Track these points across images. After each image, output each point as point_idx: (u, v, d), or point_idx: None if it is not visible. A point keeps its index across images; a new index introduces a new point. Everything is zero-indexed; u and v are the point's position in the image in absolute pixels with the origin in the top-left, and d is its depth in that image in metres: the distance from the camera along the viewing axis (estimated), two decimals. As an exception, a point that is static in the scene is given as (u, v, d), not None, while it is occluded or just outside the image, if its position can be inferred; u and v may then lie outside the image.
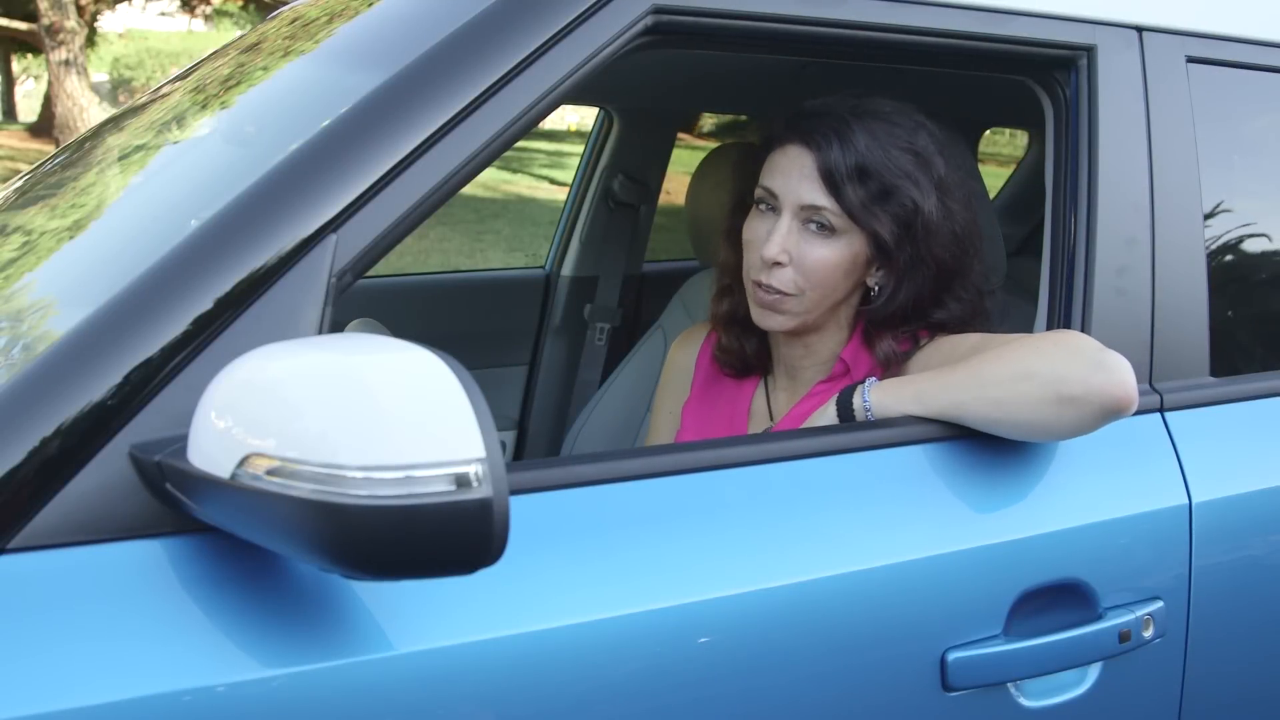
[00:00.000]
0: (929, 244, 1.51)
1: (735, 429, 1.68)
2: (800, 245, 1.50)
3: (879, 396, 1.40)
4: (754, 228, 1.56)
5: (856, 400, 1.41)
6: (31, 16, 15.19)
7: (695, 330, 1.84)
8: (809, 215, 1.50)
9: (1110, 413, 1.30)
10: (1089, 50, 1.53)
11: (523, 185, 13.67)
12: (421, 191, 1.15)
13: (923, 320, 1.57)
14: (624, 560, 1.17)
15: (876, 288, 1.55)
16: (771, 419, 1.65)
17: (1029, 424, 1.32)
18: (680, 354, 1.83)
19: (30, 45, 19.10)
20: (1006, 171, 3.51)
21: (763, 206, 1.55)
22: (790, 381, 1.66)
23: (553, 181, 13.71)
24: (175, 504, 0.99)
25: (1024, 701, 1.34)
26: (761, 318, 1.56)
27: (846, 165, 1.48)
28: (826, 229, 1.50)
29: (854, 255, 1.52)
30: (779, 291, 1.51)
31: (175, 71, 2.21)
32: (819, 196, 1.49)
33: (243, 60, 1.72)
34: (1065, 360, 1.30)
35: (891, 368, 1.54)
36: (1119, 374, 1.29)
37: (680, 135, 3.01)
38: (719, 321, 1.70)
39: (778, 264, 1.50)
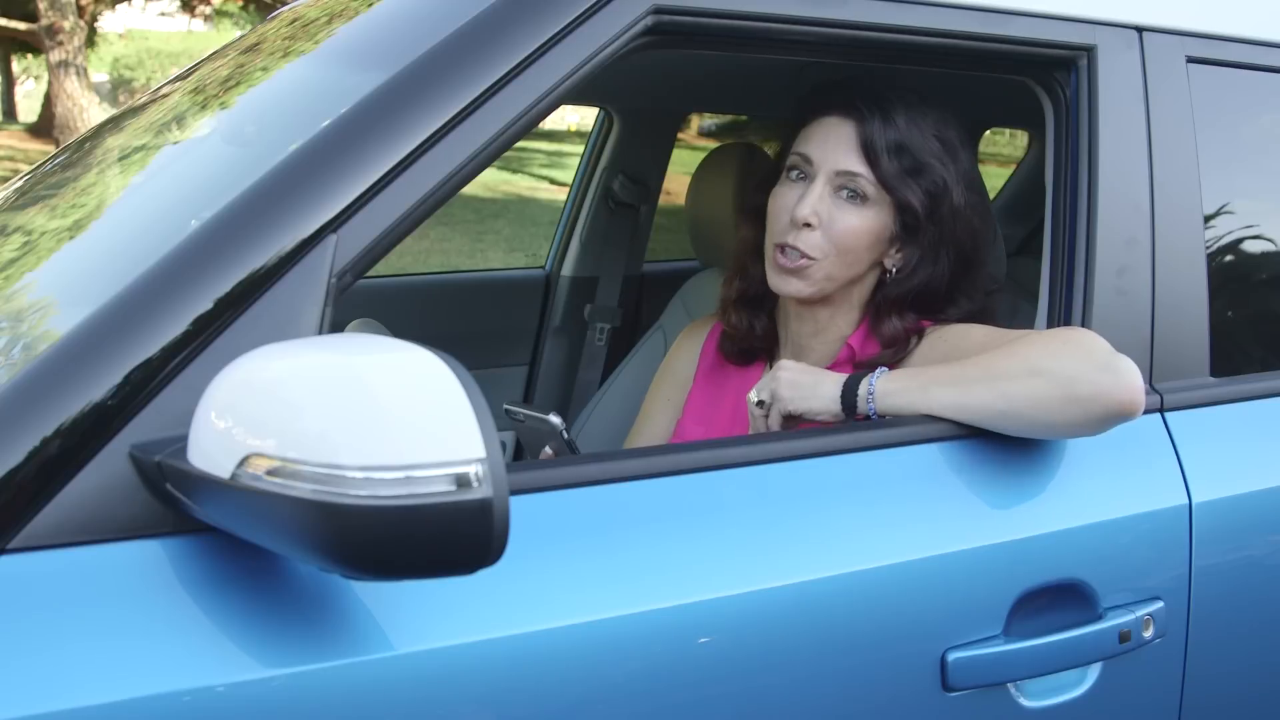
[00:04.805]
0: (954, 227, 1.56)
1: (739, 416, 1.68)
2: (832, 211, 1.54)
3: (885, 385, 1.40)
4: (783, 194, 1.58)
5: (862, 387, 1.41)
6: (31, 16, 15.18)
7: (701, 322, 1.85)
8: (844, 182, 1.54)
9: (1115, 416, 1.31)
10: (1089, 50, 1.53)
11: (523, 185, 13.67)
12: (421, 191, 1.15)
13: (932, 312, 1.58)
14: (624, 560, 1.17)
15: (894, 269, 1.58)
16: None
17: (1034, 421, 1.33)
18: (685, 344, 1.83)
19: (30, 45, 19.08)
20: (1006, 171, 3.51)
21: (794, 175, 1.58)
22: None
23: (553, 181, 13.71)
24: (175, 504, 0.99)
25: (1024, 701, 1.34)
26: (780, 283, 1.57)
27: (886, 139, 1.53)
28: (859, 197, 1.54)
29: (881, 228, 1.56)
30: (804, 255, 1.54)
31: (175, 72, 2.21)
32: (856, 163, 1.54)
33: (243, 61, 1.72)
34: (1077, 360, 1.31)
35: (894, 347, 1.55)
36: (1127, 378, 1.30)
37: (680, 135, 3.01)
38: (730, 302, 1.71)
39: (807, 225, 1.54)
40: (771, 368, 1.69)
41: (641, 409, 1.85)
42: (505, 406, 1.57)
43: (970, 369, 1.37)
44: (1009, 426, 1.35)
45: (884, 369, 1.44)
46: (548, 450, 1.55)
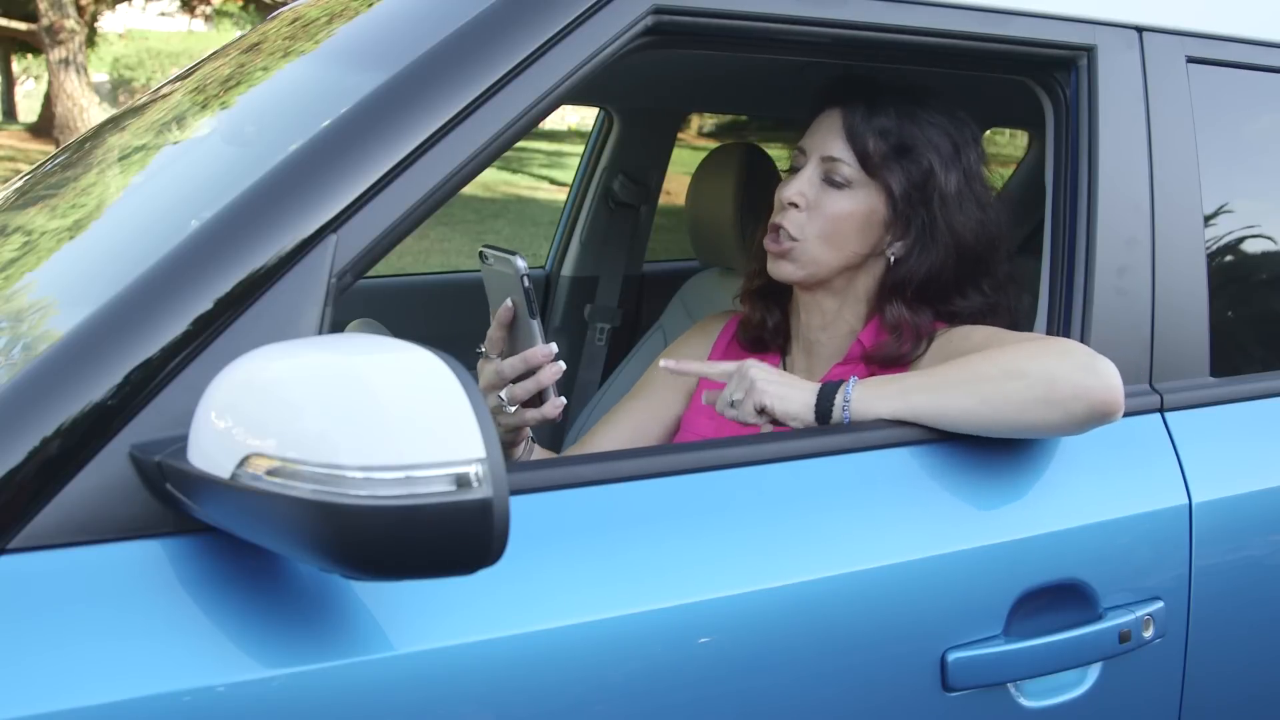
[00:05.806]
0: (946, 214, 1.56)
1: None
2: (819, 195, 1.58)
3: (861, 393, 1.37)
4: (782, 185, 1.62)
5: (838, 397, 1.37)
6: (31, 16, 15.19)
7: (716, 317, 1.85)
8: (829, 167, 1.58)
9: (1097, 417, 1.31)
10: (1089, 50, 1.53)
11: (523, 185, 13.67)
12: (421, 191, 1.15)
13: (941, 305, 1.58)
14: (624, 560, 1.17)
15: (893, 258, 1.59)
16: None
17: (1016, 423, 1.32)
18: (696, 336, 1.83)
19: (30, 45, 19.10)
20: (1007, 172, 3.51)
21: (793, 167, 1.62)
22: (808, 361, 1.67)
23: (553, 181, 13.71)
24: (175, 504, 1.00)
25: (1024, 702, 1.34)
26: (773, 267, 1.61)
27: (871, 123, 1.57)
28: (844, 181, 1.57)
29: (869, 210, 1.57)
30: (790, 236, 1.57)
31: (175, 71, 2.20)
32: (840, 148, 1.57)
33: (243, 60, 1.72)
34: (1056, 362, 1.31)
35: (902, 337, 1.55)
36: (1108, 379, 1.31)
37: (680, 135, 3.01)
38: (747, 294, 1.73)
39: (793, 206, 1.58)
40: (784, 365, 1.70)
41: (634, 387, 1.81)
42: (481, 248, 1.46)
43: (950, 373, 1.36)
44: (990, 429, 1.34)
45: (855, 378, 1.40)
46: (508, 303, 1.43)
